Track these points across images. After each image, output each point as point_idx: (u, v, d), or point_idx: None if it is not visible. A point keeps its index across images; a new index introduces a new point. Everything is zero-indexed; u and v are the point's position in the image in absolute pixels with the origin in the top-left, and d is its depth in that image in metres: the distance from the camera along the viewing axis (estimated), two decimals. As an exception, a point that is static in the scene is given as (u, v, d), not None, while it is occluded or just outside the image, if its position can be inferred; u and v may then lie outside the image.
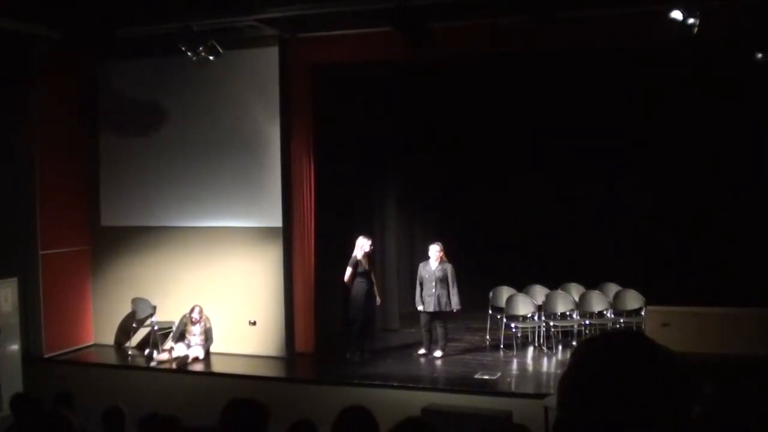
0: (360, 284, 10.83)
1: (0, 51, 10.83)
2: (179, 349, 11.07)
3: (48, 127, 11.55)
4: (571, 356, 1.59)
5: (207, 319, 11.26)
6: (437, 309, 10.82)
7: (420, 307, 10.99)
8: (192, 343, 11.13)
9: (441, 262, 10.87)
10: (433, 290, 10.79)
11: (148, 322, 11.83)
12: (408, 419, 3.15)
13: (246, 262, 11.41)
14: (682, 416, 1.44)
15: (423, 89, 12.87)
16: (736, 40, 9.80)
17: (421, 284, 10.93)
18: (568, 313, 11.71)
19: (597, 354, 1.53)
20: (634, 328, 11.42)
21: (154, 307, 11.77)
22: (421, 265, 11.07)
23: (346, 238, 11.36)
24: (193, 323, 11.18)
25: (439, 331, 10.96)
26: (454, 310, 10.91)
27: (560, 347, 11.56)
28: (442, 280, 10.78)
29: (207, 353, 11.24)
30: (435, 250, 10.92)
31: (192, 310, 11.15)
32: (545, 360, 11.13)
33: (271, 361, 11.18)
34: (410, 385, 9.69)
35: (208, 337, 11.23)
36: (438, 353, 10.93)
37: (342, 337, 11.88)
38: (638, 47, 10.70)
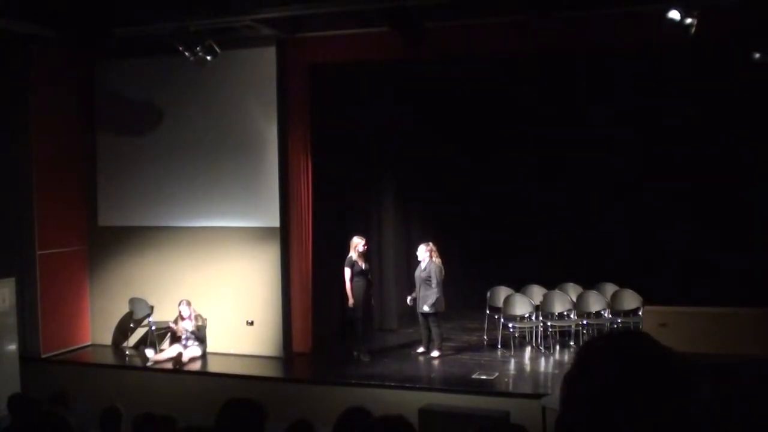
0: (358, 283, 10.84)
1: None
2: (175, 349, 11.06)
3: (45, 127, 11.54)
4: (575, 353, 1.60)
5: (199, 315, 11.23)
6: (421, 310, 10.89)
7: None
8: (187, 343, 11.11)
9: (428, 261, 10.88)
10: (419, 291, 10.84)
11: (145, 322, 11.83)
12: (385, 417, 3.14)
13: (243, 262, 11.40)
14: (685, 415, 1.46)
15: (420, 89, 12.87)
16: (733, 40, 9.81)
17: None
18: (565, 313, 11.71)
19: (601, 352, 1.55)
20: (632, 328, 11.45)
21: (152, 307, 11.77)
22: (418, 265, 11.11)
23: (343, 238, 11.36)
24: (183, 319, 11.16)
25: (432, 331, 10.98)
26: (426, 310, 10.81)
27: (558, 347, 11.58)
28: (426, 281, 10.80)
29: (204, 353, 11.22)
30: (422, 251, 10.96)
31: (179, 304, 11.13)
32: (543, 360, 11.12)
33: (269, 361, 11.17)
34: (408, 385, 9.69)
35: (201, 334, 11.19)
36: (435, 353, 10.93)
37: (339, 337, 11.90)
38: (635, 47, 10.70)
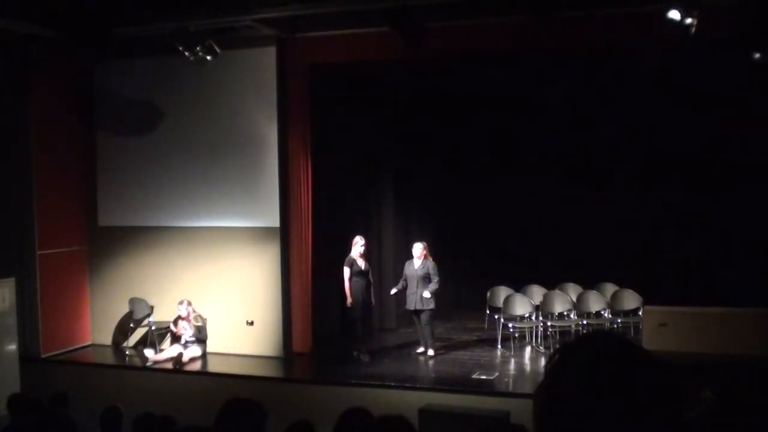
0: (357, 283, 10.84)
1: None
2: (175, 349, 11.06)
3: (45, 127, 11.54)
4: (546, 364, 1.50)
5: (198, 315, 11.22)
6: (417, 307, 10.89)
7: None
8: (187, 343, 11.10)
9: (424, 260, 10.90)
10: (415, 288, 10.86)
11: (145, 322, 11.83)
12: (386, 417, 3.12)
13: (243, 262, 11.40)
14: (671, 420, 1.38)
15: (420, 89, 12.87)
16: (733, 40, 9.81)
17: (406, 282, 10.99)
18: (565, 313, 11.72)
19: (575, 360, 1.45)
20: (631, 327, 11.46)
21: (152, 307, 11.77)
22: (407, 263, 11.11)
23: (344, 238, 11.36)
24: (182, 319, 11.15)
25: (424, 330, 10.99)
26: (424, 306, 10.84)
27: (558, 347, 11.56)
28: (424, 278, 10.83)
29: (204, 353, 11.21)
30: (418, 249, 10.97)
31: (179, 305, 11.13)
32: (543, 360, 11.11)
33: (269, 361, 11.17)
34: (407, 385, 9.70)
35: (202, 335, 11.18)
36: (430, 352, 10.95)
37: (339, 336, 11.90)
38: (636, 47, 10.71)
